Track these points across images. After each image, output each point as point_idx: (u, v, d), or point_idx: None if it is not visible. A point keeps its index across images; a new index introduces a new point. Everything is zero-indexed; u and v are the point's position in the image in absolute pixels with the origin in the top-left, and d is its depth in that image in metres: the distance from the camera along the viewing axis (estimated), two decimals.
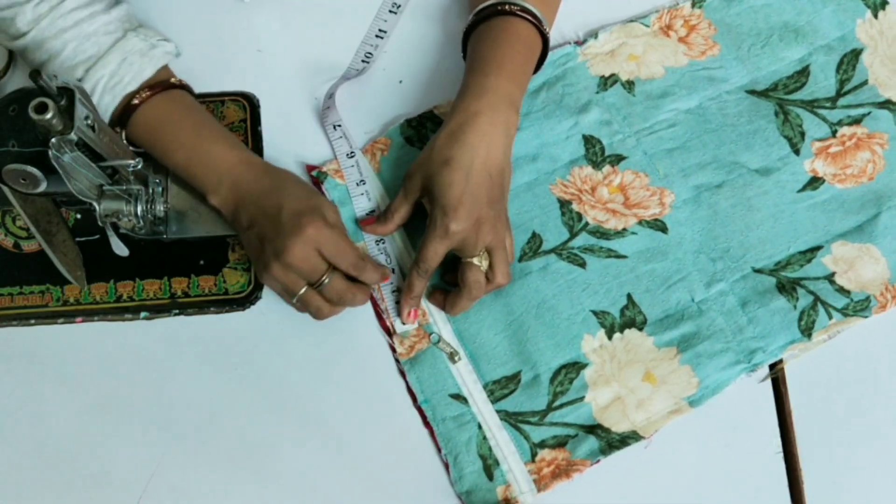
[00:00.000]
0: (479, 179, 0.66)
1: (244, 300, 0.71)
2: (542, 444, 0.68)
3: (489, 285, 0.69)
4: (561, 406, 0.69)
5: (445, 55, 0.79)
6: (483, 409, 0.69)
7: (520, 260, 0.73)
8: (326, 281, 0.66)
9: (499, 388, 0.70)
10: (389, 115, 0.78)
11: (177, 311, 0.71)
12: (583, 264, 0.73)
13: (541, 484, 0.67)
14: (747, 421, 0.70)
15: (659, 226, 0.74)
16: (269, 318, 0.71)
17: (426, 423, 0.69)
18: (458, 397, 0.69)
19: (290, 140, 0.77)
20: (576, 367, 0.70)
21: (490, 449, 0.68)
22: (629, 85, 0.78)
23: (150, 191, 0.69)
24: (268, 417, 0.69)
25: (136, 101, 0.68)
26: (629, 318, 0.72)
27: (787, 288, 0.72)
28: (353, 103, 0.78)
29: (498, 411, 0.69)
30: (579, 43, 0.80)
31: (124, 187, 0.65)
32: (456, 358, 0.70)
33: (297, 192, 0.67)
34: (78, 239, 0.71)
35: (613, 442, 0.68)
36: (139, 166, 0.65)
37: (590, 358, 0.71)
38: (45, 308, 0.71)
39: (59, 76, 0.57)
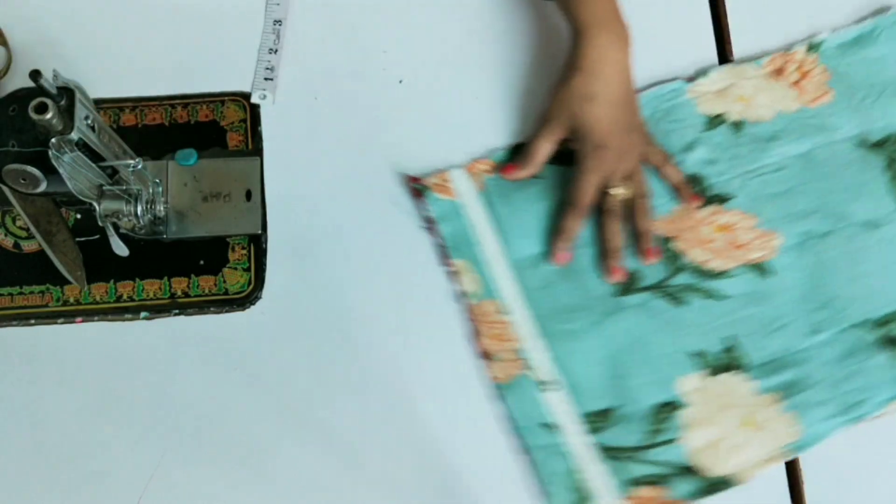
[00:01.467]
0: (620, 110, 0.71)
1: (244, 300, 0.71)
2: (637, 482, 0.66)
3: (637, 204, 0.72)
4: (656, 445, 0.67)
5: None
6: (576, 440, 0.67)
7: (616, 295, 0.72)
8: None
9: (595, 421, 0.68)
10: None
11: (177, 311, 0.71)
12: (682, 303, 0.72)
13: None
14: None
15: (763, 269, 0.73)
16: (269, 318, 0.71)
17: (522, 449, 0.67)
18: (550, 426, 0.67)
19: (290, 140, 0.77)
20: (672, 406, 0.68)
21: (582, 482, 0.66)
22: (737, 126, 0.77)
23: (150, 191, 0.69)
24: (268, 418, 0.69)
25: None
26: (730, 361, 0.70)
27: (891, 343, 0.71)
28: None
29: (593, 444, 0.67)
30: (690, 79, 0.79)
31: (124, 187, 0.65)
32: (551, 387, 0.68)
33: None
34: (78, 239, 0.71)
35: (706, 487, 0.66)
36: (139, 166, 0.65)
37: (687, 399, 0.69)
38: (45, 308, 0.71)
39: None
